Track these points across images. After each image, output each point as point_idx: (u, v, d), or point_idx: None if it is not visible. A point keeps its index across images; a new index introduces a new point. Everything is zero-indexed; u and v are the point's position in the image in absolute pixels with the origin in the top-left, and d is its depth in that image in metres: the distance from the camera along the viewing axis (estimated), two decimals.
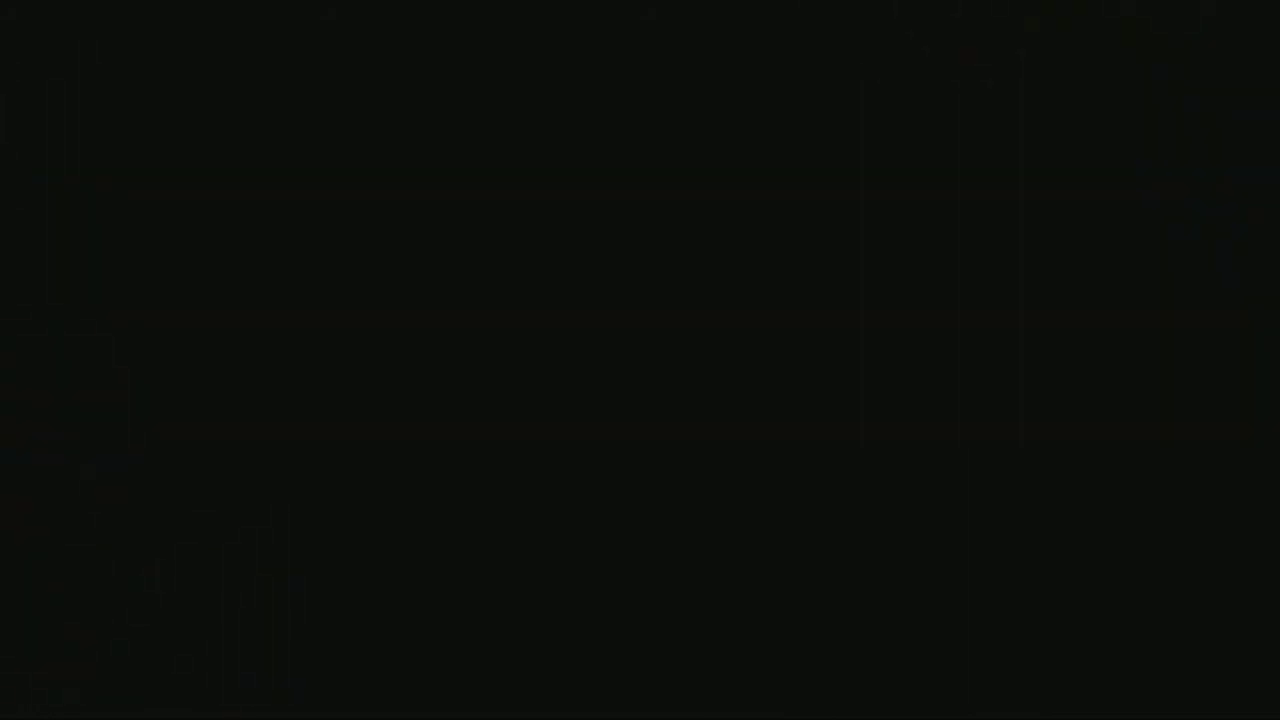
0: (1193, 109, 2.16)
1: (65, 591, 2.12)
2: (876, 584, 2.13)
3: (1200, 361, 2.14)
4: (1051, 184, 2.16)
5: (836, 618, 2.13)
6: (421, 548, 2.14)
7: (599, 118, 2.17)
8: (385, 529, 2.14)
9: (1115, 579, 2.12)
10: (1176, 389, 2.14)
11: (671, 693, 2.11)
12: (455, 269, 2.17)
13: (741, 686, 2.11)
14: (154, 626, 2.11)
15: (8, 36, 2.17)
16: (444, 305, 2.16)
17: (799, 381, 2.15)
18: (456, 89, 2.17)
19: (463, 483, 2.14)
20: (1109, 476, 2.13)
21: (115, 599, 2.12)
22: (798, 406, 2.15)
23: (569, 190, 2.17)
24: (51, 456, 2.13)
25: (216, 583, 2.12)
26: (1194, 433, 2.13)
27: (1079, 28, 2.17)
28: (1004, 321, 2.15)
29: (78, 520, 2.13)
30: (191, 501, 2.13)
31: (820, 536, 2.14)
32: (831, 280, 2.16)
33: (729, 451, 2.15)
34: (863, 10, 2.17)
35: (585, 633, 2.13)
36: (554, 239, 2.17)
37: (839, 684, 2.11)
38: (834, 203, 2.16)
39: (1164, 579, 2.12)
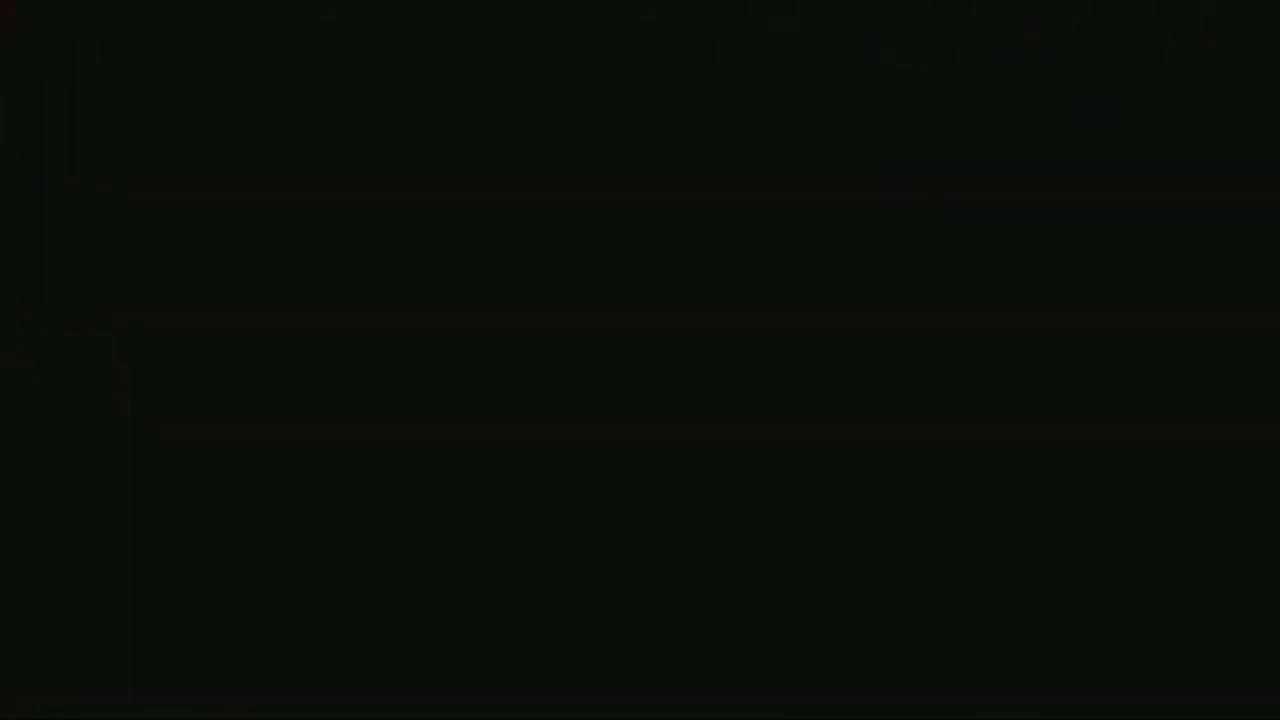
0: (1193, 109, 2.16)
1: (65, 591, 2.11)
2: (876, 584, 2.13)
3: (1200, 361, 2.14)
4: (1050, 184, 2.16)
5: (836, 618, 2.13)
6: (422, 548, 2.14)
7: (599, 118, 2.17)
8: (385, 529, 2.14)
9: (1116, 580, 2.12)
10: (1176, 389, 2.14)
11: (671, 692, 2.11)
12: (455, 269, 2.17)
13: (741, 686, 2.11)
14: (154, 626, 2.11)
15: (8, 36, 2.17)
16: (444, 305, 2.16)
17: (799, 381, 2.15)
18: (456, 89, 2.17)
19: (463, 483, 2.14)
20: (1109, 476, 2.13)
21: (116, 599, 2.11)
22: (798, 406, 2.15)
23: (569, 190, 2.17)
24: (52, 455, 2.13)
25: (217, 582, 2.12)
26: (1194, 433, 2.13)
27: (1079, 27, 2.17)
28: (1004, 322, 2.15)
29: (78, 520, 2.13)
30: (192, 501, 2.13)
31: (820, 536, 2.14)
32: (832, 280, 2.16)
33: (729, 451, 2.15)
34: (862, 10, 2.17)
35: (586, 633, 2.13)
36: (554, 239, 2.17)
37: (839, 684, 2.11)
38: (834, 203, 2.16)
39: (1165, 579, 2.12)
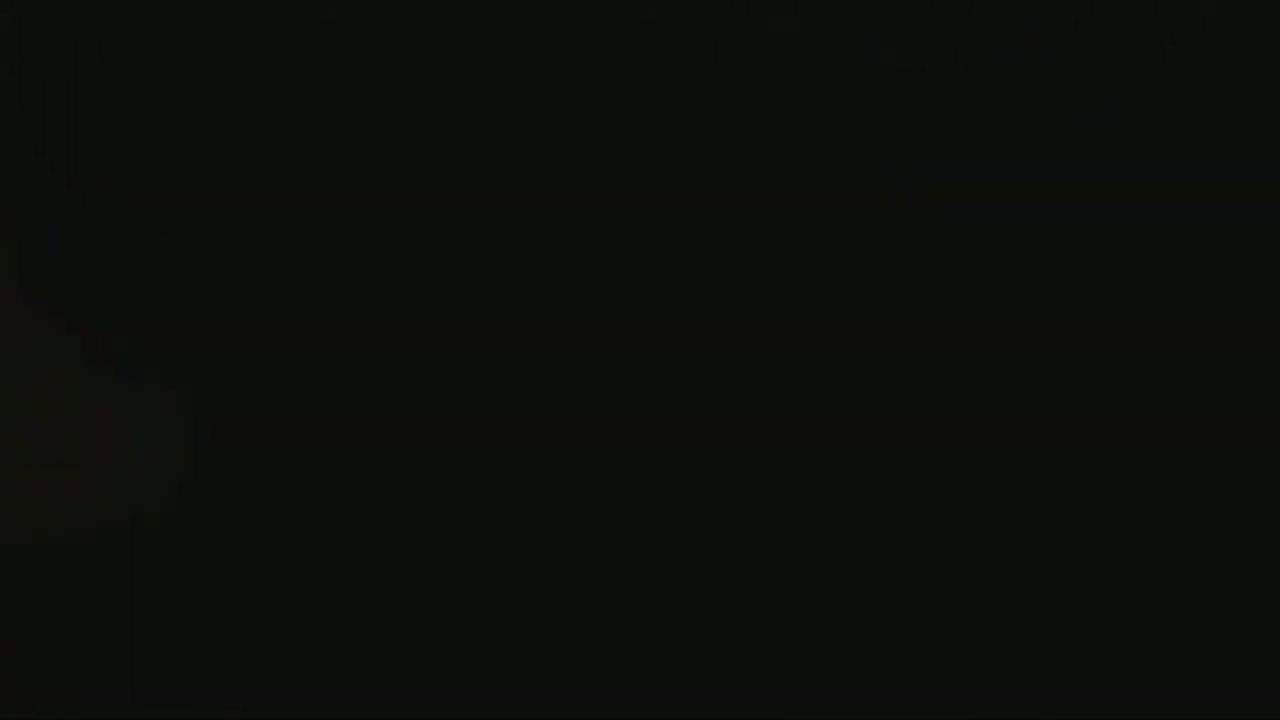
0: (1194, 109, 2.16)
1: (65, 591, 2.12)
2: (876, 585, 2.13)
3: (1200, 362, 2.14)
4: (1050, 184, 2.16)
5: (836, 618, 2.13)
6: (422, 548, 2.14)
7: (599, 118, 2.17)
8: (385, 529, 2.14)
9: (1116, 580, 2.12)
10: (1176, 389, 2.14)
11: (671, 693, 2.12)
12: (456, 270, 2.17)
13: (740, 687, 2.12)
14: (154, 626, 2.11)
15: (8, 36, 2.17)
16: (445, 305, 2.16)
17: (798, 382, 2.15)
18: (456, 89, 2.17)
19: (463, 483, 2.14)
20: (1109, 477, 2.13)
21: (116, 598, 2.12)
22: (797, 408, 2.15)
23: (568, 190, 2.17)
24: (51, 455, 2.14)
25: (219, 582, 2.12)
26: (1194, 433, 2.13)
27: (1078, 28, 2.17)
28: (1004, 321, 2.15)
29: (78, 520, 2.13)
30: (192, 501, 2.13)
31: (820, 536, 2.14)
32: (831, 280, 2.16)
33: (728, 452, 2.15)
34: (862, 10, 2.17)
35: (586, 633, 2.13)
36: (552, 239, 2.17)
37: (838, 685, 2.11)
38: (834, 203, 2.16)
39: (1165, 580, 2.12)
